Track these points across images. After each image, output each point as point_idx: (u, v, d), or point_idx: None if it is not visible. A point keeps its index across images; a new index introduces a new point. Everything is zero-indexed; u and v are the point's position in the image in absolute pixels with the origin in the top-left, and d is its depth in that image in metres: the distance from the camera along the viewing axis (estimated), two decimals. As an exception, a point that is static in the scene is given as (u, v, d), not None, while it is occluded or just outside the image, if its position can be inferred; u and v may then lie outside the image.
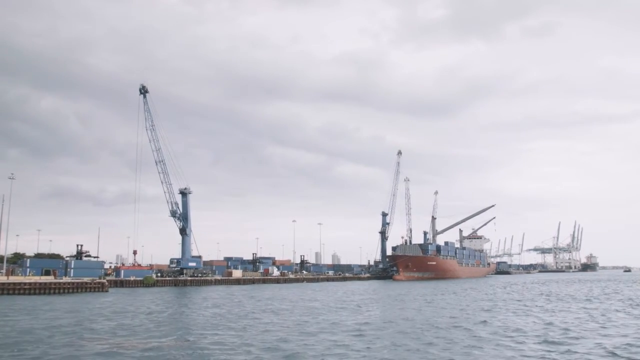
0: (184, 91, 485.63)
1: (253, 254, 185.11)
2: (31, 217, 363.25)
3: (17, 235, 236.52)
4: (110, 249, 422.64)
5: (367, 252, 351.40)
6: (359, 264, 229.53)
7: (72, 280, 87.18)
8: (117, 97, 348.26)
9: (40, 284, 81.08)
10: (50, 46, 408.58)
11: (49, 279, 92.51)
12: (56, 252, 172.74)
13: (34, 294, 79.20)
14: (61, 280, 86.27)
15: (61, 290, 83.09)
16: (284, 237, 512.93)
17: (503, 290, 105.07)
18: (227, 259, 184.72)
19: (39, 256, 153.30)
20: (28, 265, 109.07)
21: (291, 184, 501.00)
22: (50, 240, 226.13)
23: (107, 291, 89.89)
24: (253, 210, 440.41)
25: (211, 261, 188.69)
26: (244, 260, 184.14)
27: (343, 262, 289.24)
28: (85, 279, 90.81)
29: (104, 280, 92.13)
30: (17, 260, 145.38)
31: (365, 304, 64.93)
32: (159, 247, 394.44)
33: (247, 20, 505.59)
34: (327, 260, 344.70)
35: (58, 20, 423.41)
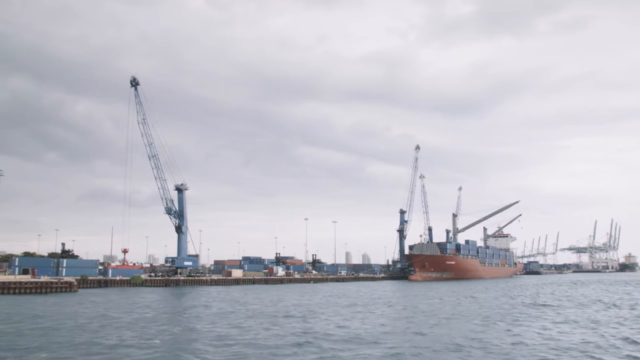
0: (213, 93, 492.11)
1: (277, 253, 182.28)
2: (66, 218, 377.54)
3: (39, 235, 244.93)
4: (133, 248, 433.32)
5: (391, 252, 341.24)
6: (383, 263, 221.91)
7: (34, 280, 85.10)
8: (149, 100, 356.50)
9: (-2, 283, 79.57)
10: (83, 52, 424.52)
11: (25, 278, 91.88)
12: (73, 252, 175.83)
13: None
14: (22, 280, 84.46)
15: (23, 290, 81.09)
16: (310, 236, 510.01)
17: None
18: (245, 259, 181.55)
19: (52, 256, 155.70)
20: (17, 264, 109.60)
21: (321, 184, 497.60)
22: (73, 240, 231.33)
23: (76, 291, 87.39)
24: (282, 210, 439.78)
25: (223, 261, 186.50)
26: (261, 260, 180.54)
27: (373, 261, 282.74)
28: (52, 279, 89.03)
29: (73, 280, 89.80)
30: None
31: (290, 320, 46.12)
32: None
33: (274, 21, 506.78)
34: (357, 259, 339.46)
35: (90, 26, 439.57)
